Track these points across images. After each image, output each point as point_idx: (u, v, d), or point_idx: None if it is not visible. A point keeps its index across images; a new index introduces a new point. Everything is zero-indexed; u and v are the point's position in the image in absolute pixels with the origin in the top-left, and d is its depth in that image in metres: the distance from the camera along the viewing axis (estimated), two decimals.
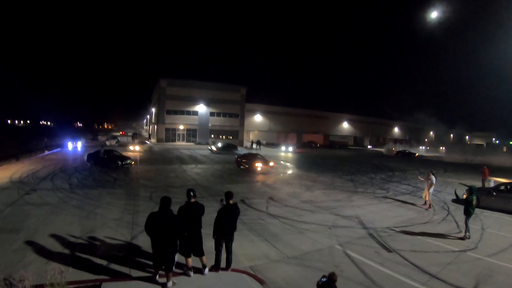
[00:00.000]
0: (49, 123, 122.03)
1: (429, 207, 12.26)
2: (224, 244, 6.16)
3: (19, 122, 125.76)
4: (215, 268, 6.10)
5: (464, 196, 10.22)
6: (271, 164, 21.82)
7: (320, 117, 66.04)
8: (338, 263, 6.84)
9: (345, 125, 70.73)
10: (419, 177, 14.83)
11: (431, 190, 12.36)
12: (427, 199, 12.39)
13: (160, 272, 5.55)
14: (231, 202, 6.21)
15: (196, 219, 5.86)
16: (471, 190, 9.09)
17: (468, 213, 8.84)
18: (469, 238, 8.72)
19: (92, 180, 15.10)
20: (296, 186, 16.40)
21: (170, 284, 5.47)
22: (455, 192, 14.87)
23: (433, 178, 12.39)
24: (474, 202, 8.97)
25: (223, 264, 6.18)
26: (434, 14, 23.80)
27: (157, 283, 5.47)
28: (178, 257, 5.76)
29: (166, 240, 5.33)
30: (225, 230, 6.09)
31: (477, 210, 11.72)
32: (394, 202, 13.43)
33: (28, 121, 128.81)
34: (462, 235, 8.91)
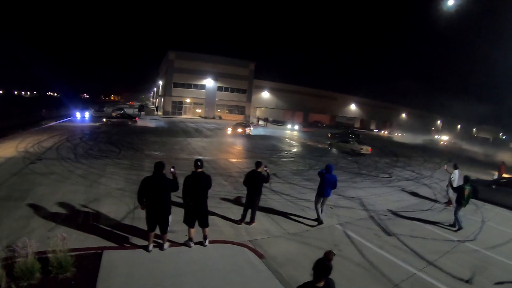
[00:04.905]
0: (55, 94, 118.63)
1: (449, 203, 11.01)
2: (249, 204, 7.37)
3: (26, 93, 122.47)
4: (241, 221, 7.41)
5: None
6: None
7: (328, 98, 65.23)
8: (338, 242, 6.90)
9: (353, 107, 69.93)
10: (445, 167, 13.21)
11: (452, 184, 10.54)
12: (450, 195, 11.13)
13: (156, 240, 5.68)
14: (259, 170, 7.36)
15: (201, 189, 5.81)
16: (465, 179, 8.71)
17: (459, 203, 8.54)
18: (460, 228, 8.37)
19: (98, 151, 15.13)
20: (300, 164, 16.46)
21: (166, 245, 5.63)
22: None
23: (456, 172, 11.07)
24: (467, 192, 8.52)
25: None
26: (451, 1, 22.50)
27: (154, 246, 5.60)
28: (182, 227, 5.92)
29: (160, 202, 5.42)
30: (248, 191, 7.34)
31: (478, 203, 11.68)
32: (396, 186, 13.41)
33: (35, 92, 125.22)
34: (452, 222, 8.67)
